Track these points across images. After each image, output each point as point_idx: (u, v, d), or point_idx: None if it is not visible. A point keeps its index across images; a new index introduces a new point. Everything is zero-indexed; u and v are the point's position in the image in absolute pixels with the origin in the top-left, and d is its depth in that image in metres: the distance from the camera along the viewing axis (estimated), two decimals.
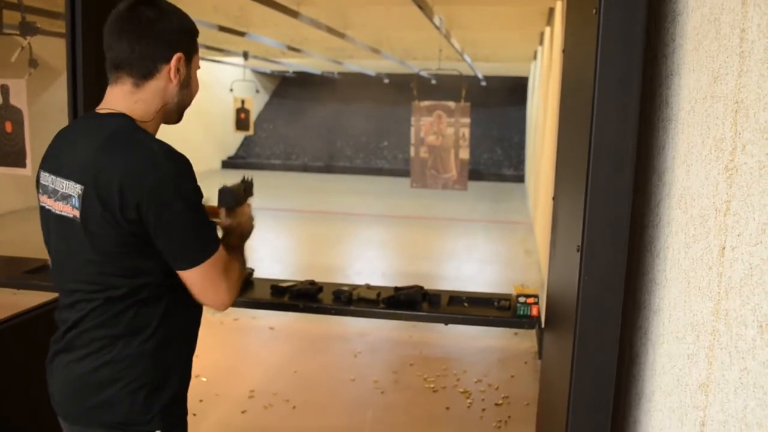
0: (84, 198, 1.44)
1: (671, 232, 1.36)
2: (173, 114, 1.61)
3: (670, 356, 1.32)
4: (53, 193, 1.52)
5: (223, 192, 1.79)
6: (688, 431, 1.17)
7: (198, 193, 1.50)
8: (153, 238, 1.45)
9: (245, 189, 1.87)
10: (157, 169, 1.41)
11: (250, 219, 1.84)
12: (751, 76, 0.98)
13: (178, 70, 1.55)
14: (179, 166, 1.46)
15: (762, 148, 0.93)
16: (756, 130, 0.95)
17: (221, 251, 1.55)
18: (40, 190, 1.58)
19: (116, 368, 1.51)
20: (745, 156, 0.99)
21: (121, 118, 1.50)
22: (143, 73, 1.51)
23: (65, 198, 1.48)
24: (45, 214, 1.57)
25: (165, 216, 1.43)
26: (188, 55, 1.58)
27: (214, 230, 1.56)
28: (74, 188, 1.46)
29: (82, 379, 1.53)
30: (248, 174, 1.96)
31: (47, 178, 1.55)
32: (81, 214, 1.45)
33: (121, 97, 1.52)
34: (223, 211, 1.79)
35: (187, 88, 1.61)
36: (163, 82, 1.54)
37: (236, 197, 1.81)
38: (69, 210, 1.48)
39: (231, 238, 1.73)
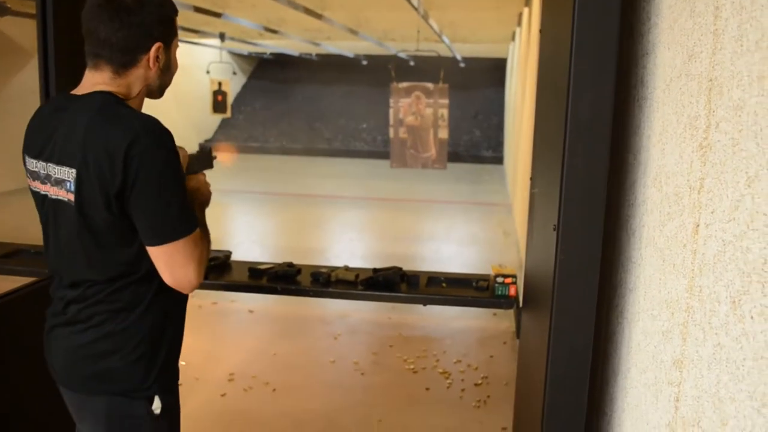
0: (78, 181, 1.45)
1: (646, 210, 1.36)
2: (155, 93, 1.63)
3: (645, 333, 1.33)
4: (47, 179, 1.53)
5: None
6: (663, 407, 1.19)
7: (178, 168, 1.50)
8: (131, 215, 1.47)
9: (198, 158, 1.84)
10: (137, 145, 1.42)
11: (207, 186, 1.83)
12: (725, 53, 0.98)
13: (157, 58, 1.56)
14: (160, 140, 1.46)
15: (735, 126, 0.93)
16: (729, 107, 0.96)
17: (197, 232, 1.55)
18: (30, 176, 1.59)
19: (115, 340, 1.56)
20: (719, 133, 0.99)
21: (103, 95, 1.50)
22: (123, 63, 1.52)
23: (60, 183, 1.50)
24: (40, 199, 1.59)
25: (143, 191, 1.44)
26: (168, 41, 1.59)
27: (190, 209, 1.56)
28: (69, 173, 1.47)
29: (83, 350, 1.58)
30: (207, 143, 1.92)
31: (37, 165, 1.56)
32: (75, 198, 1.47)
33: (101, 82, 1.53)
34: None
35: (168, 70, 1.63)
36: (143, 70, 1.55)
37: (186, 165, 1.77)
38: (64, 194, 1.50)
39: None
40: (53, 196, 1.53)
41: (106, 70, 1.52)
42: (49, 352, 1.66)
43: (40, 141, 1.56)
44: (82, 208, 1.47)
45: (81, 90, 1.54)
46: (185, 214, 1.53)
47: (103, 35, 1.49)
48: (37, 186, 1.57)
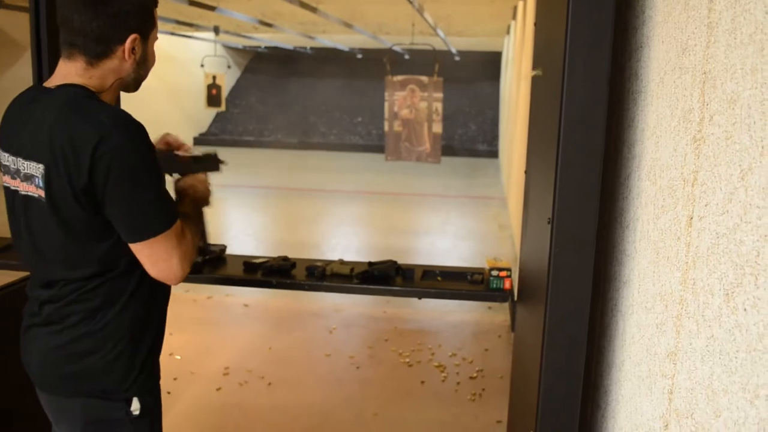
0: (47, 177, 1.42)
1: (641, 203, 1.37)
2: (130, 86, 1.59)
3: (639, 326, 1.34)
4: (17, 174, 1.49)
5: (166, 159, 1.76)
6: (657, 399, 1.19)
7: (151, 162, 1.46)
8: (107, 212, 1.44)
9: (202, 160, 1.84)
10: (107, 142, 1.38)
11: (205, 185, 1.81)
12: (719, 46, 0.98)
13: (133, 49, 1.52)
14: (131, 135, 1.42)
15: (728, 119, 0.93)
16: (723, 100, 0.96)
17: (177, 225, 1.52)
18: (3, 171, 1.55)
19: (92, 340, 1.53)
20: (713, 126, 0.99)
21: (73, 88, 1.46)
22: (97, 53, 1.48)
23: (29, 178, 1.46)
24: (10, 194, 1.54)
25: (116, 189, 1.41)
26: (145, 33, 1.55)
27: (168, 202, 1.52)
28: (36, 168, 1.43)
29: (59, 351, 1.54)
30: (213, 150, 1.93)
31: (7, 159, 1.52)
32: (46, 193, 1.43)
33: (74, 73, 1.49)
34: (177, 176, 1.78)
35: (144, 63, 1.58)
36: (118, 62, 1.51)
37: (181, 167, 1.78)
38: (34, 190, 1.46)
39: (184, 205, 1.71)
40: (23, 192, 1.49)
41: (79, 60, 1.48)
42: (26, 353, 1.62)
43: (10, 135, 1.52)
44: (54, 203, 1.43)
45: (53, 81, 1.50)
46: (163, 209, 1.49)
47: (78, 24, 1.45)
48: (8, 181, 1.52)
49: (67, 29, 1.48)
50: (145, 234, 1.47)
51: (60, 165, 1.39)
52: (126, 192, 1.42)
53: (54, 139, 1.40)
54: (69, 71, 1.49)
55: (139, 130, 1.43)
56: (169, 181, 1.63)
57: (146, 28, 1.55)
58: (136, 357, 1.57)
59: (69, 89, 1.46)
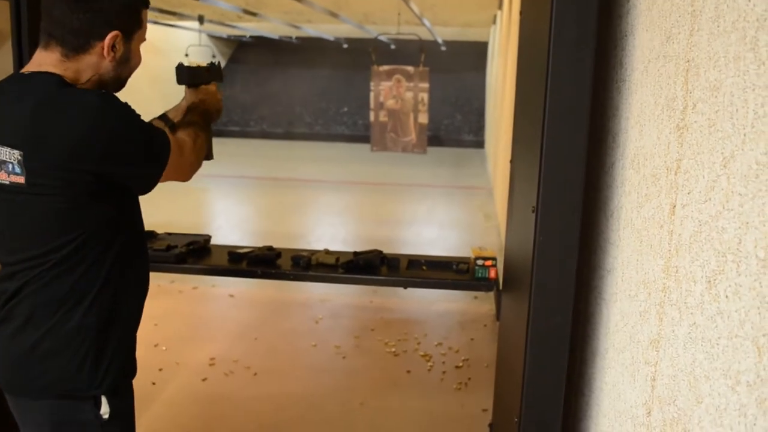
0: (27, 162, 1.38)
1: (624, 192, 1.37)
2: (110, 85, 1.55)
3: (622, 314, 1.34)
4: None
5: (179, 69, 1.88)
6: (640, 386, 1.20)
7: (140, 125, 1.49)
8: (117, 181, 1.47)
9: (208, 71, 1.93)
10: (102, 124, 1.39)
11: (215, 97, 1.90)
12: (702, 34, 0.99)
13: (113, 47, 1.49)
14: (120, 111, 1.43)
15: (711, 106, 0.94)
16: (706, 88, 0.96)
17: (173, 148, 1.56)
18: None
19: (59, 339, 1.48)
20: (696, 114, 1.00)
21: (49, 76, 1.44)
22: (74, 46, 1.46)
23: (1, 164, 1.41)
24: None
25: (123, 161, 1.45)
26: (128, 33, 1.52)
27: (161, 137, 1.54)
28: (10, 154, 1.39)
29: (26, 353, 1.49)
30: (216, 59, 2.00)
31: None
32: (27, 179, 1.39)
33: (49, 63, 1.46)
34: (186, 88, 1.88)
35: (126, 63, 1.55)
36: (96, 58, 1.48)
37: (193, 75, 1.88)
38: (4, 177, 1.41)
39: (192, 114, 1.80)
40: None
41: (55, 51, 1.45)
42: None
43: None
44: (29, 190, 1.39)
45: (27, 69, 1.47)
46: (157, 144, 1.52)
47: (58, 14, 1.43)
48: None
49: (48, 19, 1.45)
50: (157, 173, 1.53)
51: (42, 149, 1.37)
52: (131, 163, 1.48)
53: (36, 128, 1.37)
54: (44, 60, 1.46)
55: (121, 105, 1.44)
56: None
57: (130, 26, 1.52)
58: (103, 355, 1.52)
59: (44, 76, 1.44)
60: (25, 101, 1.40)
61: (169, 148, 1.54)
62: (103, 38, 1.47)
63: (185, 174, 1.66)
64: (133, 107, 1.47)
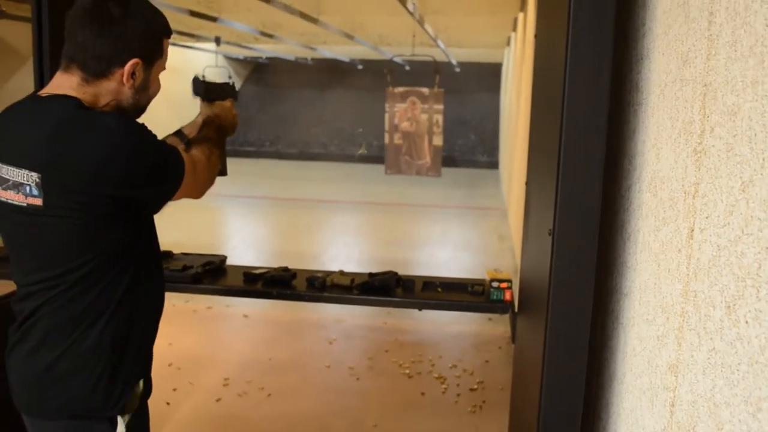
0: (45, 185, 1.38)
1: (641, 215, 1.37)
2: (129, 111, 1.56)
3: (640, 338, 1.33)
4: (2, 182, 1.45)
5: (195, 81, 1.93)
6: (659, 412, 1.19)
7: (156, 147, 1.50)
8: (132, 202, 1.48)
9: (222, 88, 1.98)
10: (120, 148, 1.40)
11: (231, 113, 1.95)
12: (719, 58, 0.99)
13: (133, 74, 1.49)
14: (139, 136, 1.45)
15: (729, 131, 0.93)
16: (724, 112, 0.96)
17: (187, 168, 1.57)
18: None
19: (75, 359, 1.48)
20: (713, 138, 0.99)
21: (67, 99, 1.44)
22: (95, 71, 1.46)
23: (17, 186, 1.41)
24: None
25: (140, 184, 1.46)
26: (149, 60, 1.53)
27: (176, 157, 1.55)
28: (28, 176, 1.39)
29: (41, 373, 1.49)
30: (232, 80, 2.08)
31: None
32: (45, 201, 1.39)
33: (68, 86, 1.47)
34: (201, 103, 1.94)
35: (145, 91, 1.56)
36: (115, 84, 1.49)
37: (208, 90, 1.94)
38: (21, 199, 1.41)
39: (207, 129, 1.84)
40: (9, 201, 1.44)
41: (76, 74, 1.46)
42: (9, 375, 1.56)
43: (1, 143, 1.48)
44: (47, 212, 1.40)
45: (46, 91, 1.48)
46: (172, 165, 1.53)
47: (80, 39, 1.44)
48: None
49: (70, 42, 1.47)
50: (172, 192, 1.55)
51: (61, 172, 1.37)
52: (150, 184, 1.50)
53: (55, 151, 1.38)
54: (64, 83, 1.47)
55: (140, 129, 1.46)
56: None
57: (151, 54, 1.53)
58: (121, 376, 1.52)
59: (62, 99, 1.44)
60: (44, 123, 1.41)
61: (183, 168, 1.55)
62: (123, 65, 1.47)
63: (198, 191, 1.67)
64: (149, 127, 1.49)
